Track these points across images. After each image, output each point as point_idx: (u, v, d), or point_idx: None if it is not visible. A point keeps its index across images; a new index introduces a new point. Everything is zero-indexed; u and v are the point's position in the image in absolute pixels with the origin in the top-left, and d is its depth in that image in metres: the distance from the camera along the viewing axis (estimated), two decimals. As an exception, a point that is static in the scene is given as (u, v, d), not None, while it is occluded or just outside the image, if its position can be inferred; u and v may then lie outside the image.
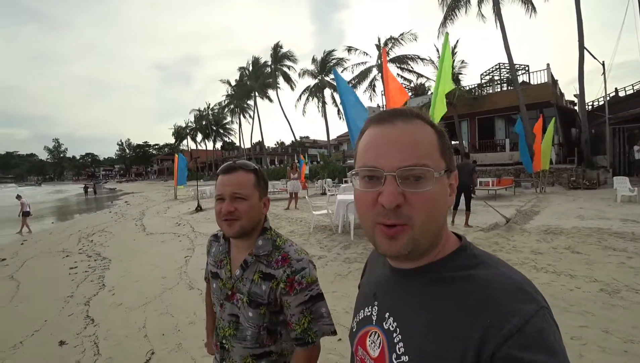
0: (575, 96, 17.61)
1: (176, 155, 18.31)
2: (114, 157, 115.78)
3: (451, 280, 0.55)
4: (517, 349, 0.44)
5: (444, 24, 20.04)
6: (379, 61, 28.40)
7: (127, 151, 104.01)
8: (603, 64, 15.84)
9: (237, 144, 54.16)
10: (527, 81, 20.25)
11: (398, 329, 0.57)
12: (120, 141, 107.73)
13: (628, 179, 9.75)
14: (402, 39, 27.45)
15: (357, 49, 29.58)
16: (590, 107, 20.47)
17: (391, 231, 0.54)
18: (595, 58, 15.60)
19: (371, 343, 0.62)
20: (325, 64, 34.07)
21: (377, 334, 0.62)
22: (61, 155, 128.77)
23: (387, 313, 0.61)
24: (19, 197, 12.24)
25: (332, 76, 33.25)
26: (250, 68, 41.54)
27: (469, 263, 0.56)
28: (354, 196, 0.60)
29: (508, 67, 19.14)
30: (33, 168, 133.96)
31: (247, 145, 49.49)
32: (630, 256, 4.57)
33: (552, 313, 0.49)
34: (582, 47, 15.35)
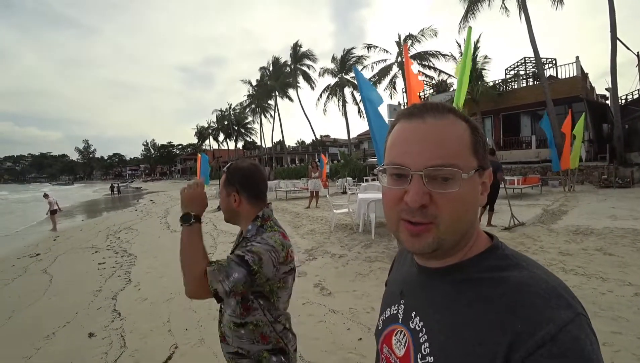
0: (607, 89, 16.86)
1: (199, 155, 18.67)
2: (140, 157, 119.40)
3: (481, 281, 0.53)
4: (549, 358, 0.41)
5: (465, 18, 19.54)
6: (399, 58, 28.01)
7: (152, 151, 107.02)
8: (637, 55, 15.05)
9: (258, 143, 54.79)
10: (555, 75, 19.47)
11: (424, 329, 0.56)
12: (146, 141, 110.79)
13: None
14: (422, 35, 26.98)
15: (377, 47, 29.25)
16: (623, 101, 19.46)
17: (416, 229, 0.52)
18: (629, 49, 14.88)
19: (397, 342, 0.61)
20: (345, 63, 33.88)
21: (402, 333, 0.61)
22: (90, 155, 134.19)
23: (414, 312, 0.60)
24: (46, 196, 11.85)
25: (352, 74, 33.07)
26: (271, 68, 41.84)
27: (501, 264, 0.54)
28: (381, 192, 0.59)
29: (534, 61, 18.46)
30: (65, 167, 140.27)
31: (268, 144, 49.98)
32: (668, 258, 4.33)
33: (590, 322, 0.46)
34: (614, 38, 14.63)
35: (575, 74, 17.72)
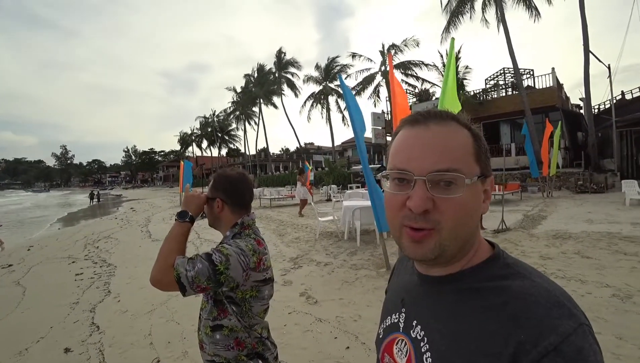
0: (581, 99, 17.54)
1: (182, 161, 18.41)
2: (120, 163, 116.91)
3: (483, 291, 0.52)
4: None
5: (447, 29, 20.08)
6: (383, 67, 28.47)
7: (133, 157, 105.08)
8: (609, 67, 15.72)
9: (242, 150, 54.45)
10: (532, 85, 20.15)
11: (426, 338, 0.55)
12: (127, 147, 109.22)
13: (637, 183, 9.61)
14: (405, 45, 27.55)
15: (361, 56, 29.66)
16: (596, 110, 20.31)
17: (418, 234, 0.52)
18: (600, 61, 15.50)
19: (398, 351, 0.61)
20: (330, 71, 34.18)
21: (404, 342, 0.60)
22: (68, 161, 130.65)
23: (415, 321, 0.59)
24: None
25: (336, 83, 33.39)
26: (256, 75, 41.81)
27: (502, 273, 0.53)
28: (384, 198, 0.58)
29: (513, 72, 19.08)
30: (40, 174, 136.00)
31: (252, 151, 49.71)
32: (642, 261, 4.48)
33: (593, 331, 0.46)
34: (587, 51, 15.28)
35: (551, 85, 18.39)
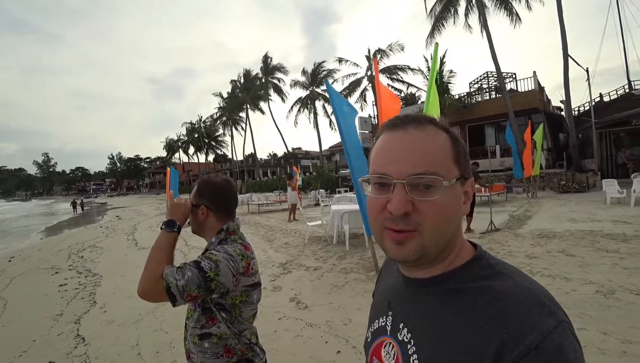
0: (561, 102, 18.03)
1: (168, 168, 18.14)
2: (105, 171, 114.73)
3: (466, 292, 0.53)
4: None
5: (431, 34, 20.43)
6: (369, 72, 28.74)
7: (118, 164, 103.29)
8: (587, 71, 16.23)
9: (230, 156, 54.07)
10: (515, 89, 20.63)
11: (412, 340, 0.56)
12: (112, 154, 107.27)
13: (616, 182, 9.91)
14: (390, 50, 27.90)
15: (347, 60, 29.91)
16: (576, 112, 20.88)
17: (399, 235, 0.53)
18: (579, 65, 16.01)
19: (386, 353, 0.61)
20: (316, 76, 34.32)
21: (391, 345, 0.60)
22: (50, 169, 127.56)
23: (402, 324, 0.59)
24: None
25: (323, 87, 33.53)
26: (242, 80, 41.69)
27: (485, 273, 0.54)
28: (367, 202, 0.59)
29: (496, 75, 19.51)
30: (21, 182, 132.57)
31: (240, 157, 49.41)
32: (622, 257, 4.61)
33: (573, 328, 0.47)
34: (566, 55, 15.74)
35: (533, 88, 18.86)
